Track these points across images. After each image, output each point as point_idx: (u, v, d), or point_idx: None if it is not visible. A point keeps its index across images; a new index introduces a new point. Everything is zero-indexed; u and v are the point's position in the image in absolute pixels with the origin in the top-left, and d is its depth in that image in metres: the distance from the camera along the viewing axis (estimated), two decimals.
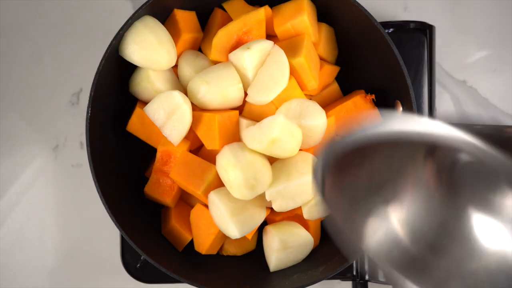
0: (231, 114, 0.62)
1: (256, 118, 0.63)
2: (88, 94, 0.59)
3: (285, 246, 0.64)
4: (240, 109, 0.64)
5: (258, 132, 0.60)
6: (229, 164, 0.59)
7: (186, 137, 0.63)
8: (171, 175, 0.63)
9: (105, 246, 0.75)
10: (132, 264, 0.70)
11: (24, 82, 0.76)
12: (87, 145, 0.59)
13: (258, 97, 0.61)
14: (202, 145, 0.64)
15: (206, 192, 0.62)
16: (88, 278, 0.76)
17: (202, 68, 0.64)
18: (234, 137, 0.62)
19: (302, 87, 0.64)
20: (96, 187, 0.59)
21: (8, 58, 0.76)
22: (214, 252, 0.67)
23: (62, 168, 0.76)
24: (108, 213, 0.59)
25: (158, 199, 0.65)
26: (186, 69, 0.64)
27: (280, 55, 0.61)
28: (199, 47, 0.68)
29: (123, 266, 0.70)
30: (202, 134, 0.62)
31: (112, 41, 0.59)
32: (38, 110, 0.76)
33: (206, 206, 0.64)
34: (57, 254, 0.76)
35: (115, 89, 0.64)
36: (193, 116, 0.62)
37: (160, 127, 0.62)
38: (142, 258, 0.69)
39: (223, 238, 0.67)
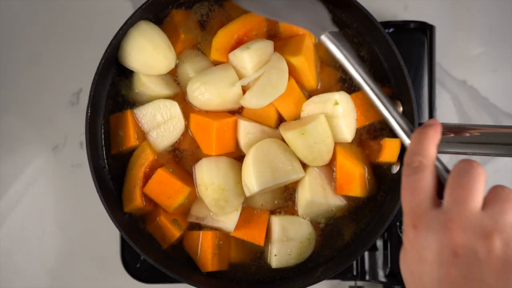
0: (229, 121, 0.62)
1: (256, 118, 0.63)
2: (88, 94, 0.59)
3: (286, 237, 0.63)
4: (240, 109, 0.64)
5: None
6: (202, 182, 0.62)
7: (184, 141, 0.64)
8: (144, 190, 0.62)
9: (105, 246, 0.75)
10: (132, 264, 0.70)
11: (24, 82, 0.76)
12: (86, 145, 0.59)
13: (254, 101, 0.61)
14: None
15: (178, 211, 0.63)
16: (88, 278, 0.76)
17: (201, 68, 0.63)
18: (230, 143, 0.63)
19: (301, 87, 0.64)
20: (96, 187, 0.59)
21: (8, 58, 0.76)
22: (222, 268, 0.64)
23: (61, 168, 0.76)
24: (108, 213, 0.59)
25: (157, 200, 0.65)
26: (185, 69, 0.64)
27: (280, 61, 0.61)
28: (199, 47, 0.68)
29: (123, 266, 0.70)
30: (199, 138, 0.63)
31: (112, 41, 0.59)
32: (38, 110, 0.76)
33: (199, 227, 0.64)
34: (57, 254, 0.76)
35: (115, 89, 0.64)
36: (193, 119, 0.62)
37: (147, 131, 0.62)
38: (142, 258, 0.69)
39: (227, 254, 0.65)
